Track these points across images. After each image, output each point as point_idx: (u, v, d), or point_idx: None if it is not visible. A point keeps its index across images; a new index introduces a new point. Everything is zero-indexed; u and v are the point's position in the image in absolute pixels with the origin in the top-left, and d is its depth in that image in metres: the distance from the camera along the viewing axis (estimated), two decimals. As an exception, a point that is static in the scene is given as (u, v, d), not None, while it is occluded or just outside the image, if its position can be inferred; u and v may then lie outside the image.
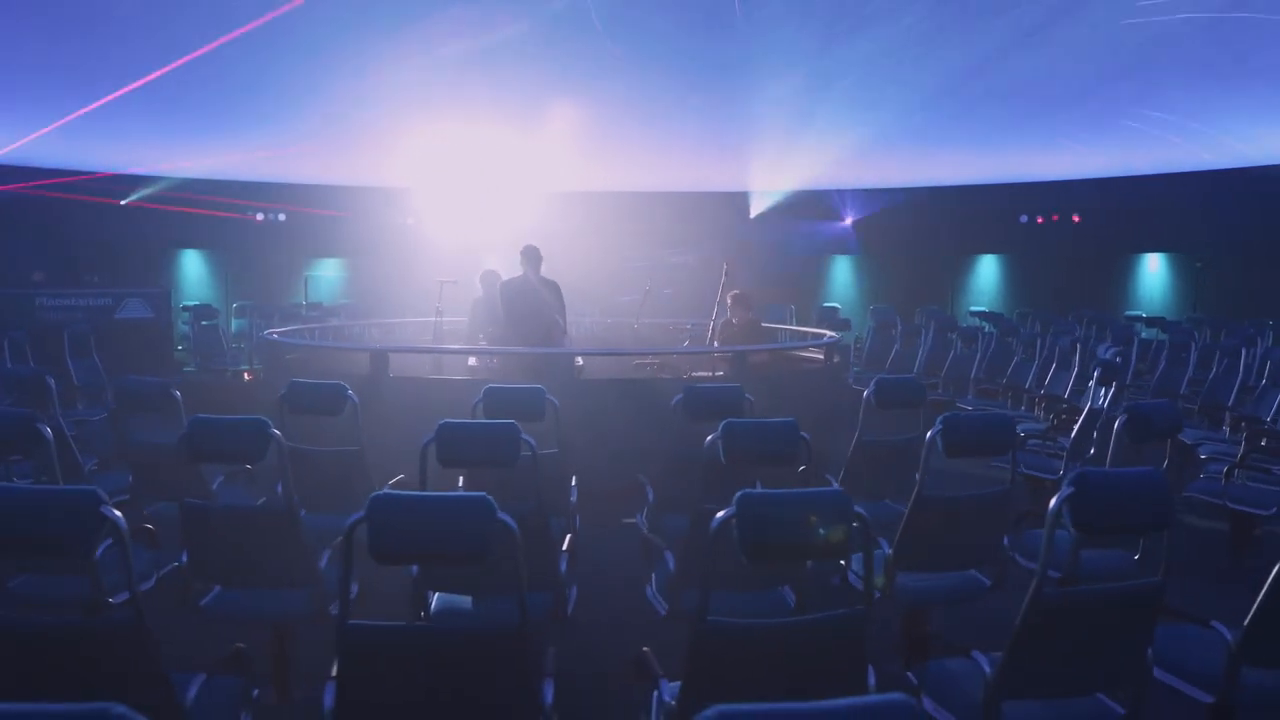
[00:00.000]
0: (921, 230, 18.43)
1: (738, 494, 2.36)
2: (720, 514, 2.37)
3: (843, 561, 4.00)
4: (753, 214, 19.49)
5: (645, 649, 2.82)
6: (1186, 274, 16.72)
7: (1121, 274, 17.50)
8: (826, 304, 18.60)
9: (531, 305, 7.82)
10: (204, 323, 13.74)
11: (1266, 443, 6.65)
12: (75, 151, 16.87)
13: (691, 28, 17.56)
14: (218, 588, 3.54)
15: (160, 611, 3.63)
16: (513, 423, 3.37)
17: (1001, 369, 11.01)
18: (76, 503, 2.16)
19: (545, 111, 17.48)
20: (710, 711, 1.30)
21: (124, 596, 3.47)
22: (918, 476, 3.70)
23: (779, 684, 2.50)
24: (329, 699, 2.39)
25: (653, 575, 3.62)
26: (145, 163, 17.69)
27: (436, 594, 3.49)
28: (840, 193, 19.48)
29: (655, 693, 2.71)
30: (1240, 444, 6.43)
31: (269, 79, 17.14)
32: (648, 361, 8.27)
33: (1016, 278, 18.68)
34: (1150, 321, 15.47)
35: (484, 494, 2.23)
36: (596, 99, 17.36)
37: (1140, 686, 2.75)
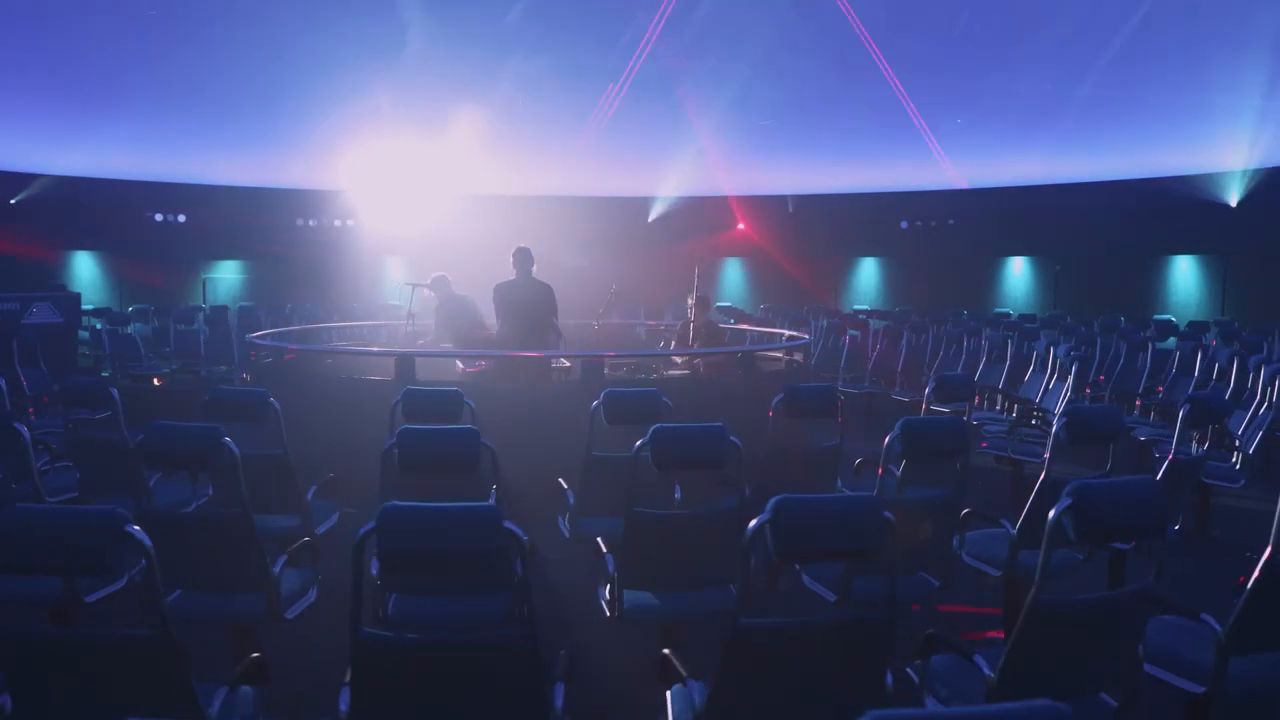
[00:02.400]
0: (809, 234, 19.08)
1: (774, 500, 2.36)
2: (755, 521, 2.37)
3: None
4: (651, 218, 19.83)
5: (666, 650, 2.83)
6: (1047, 276, 17.73)
7: (990, 275, 18.45)
8: (720, 304, 19.05)
9: (525, 307, 7.72)
10: (120, 328, 13.23)
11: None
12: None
13: (588, 42, 17.84)
14: (178, 590, 3.57)
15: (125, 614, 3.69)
16: (473, 428, 3.52)
17: (895, 360, 11.70)
18: (103, 523, 2.21)
19: (450, 117, 17.47)
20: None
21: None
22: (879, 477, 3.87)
23: (807, 684, 2.54)
24: (344, 704, 2.41)
25: (608, 579, 3.63)
26: (33, 160, 16.95)
27: (394, 595, 3.50)
28: (734, 199, 19.96)
29: (670, 692, 2.74)
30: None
31: (165, 69, 16.65)
32: (625, 362, 8.34)
33: (895, 278, 19.47)
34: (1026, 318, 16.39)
35: (491, 504, 2.35)
36: (499, 106, 17.44)
37: (1133, 683, 2.78)
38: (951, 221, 18.16)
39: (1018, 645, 2.56)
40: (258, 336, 8.80)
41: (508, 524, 2.31)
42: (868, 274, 19.98)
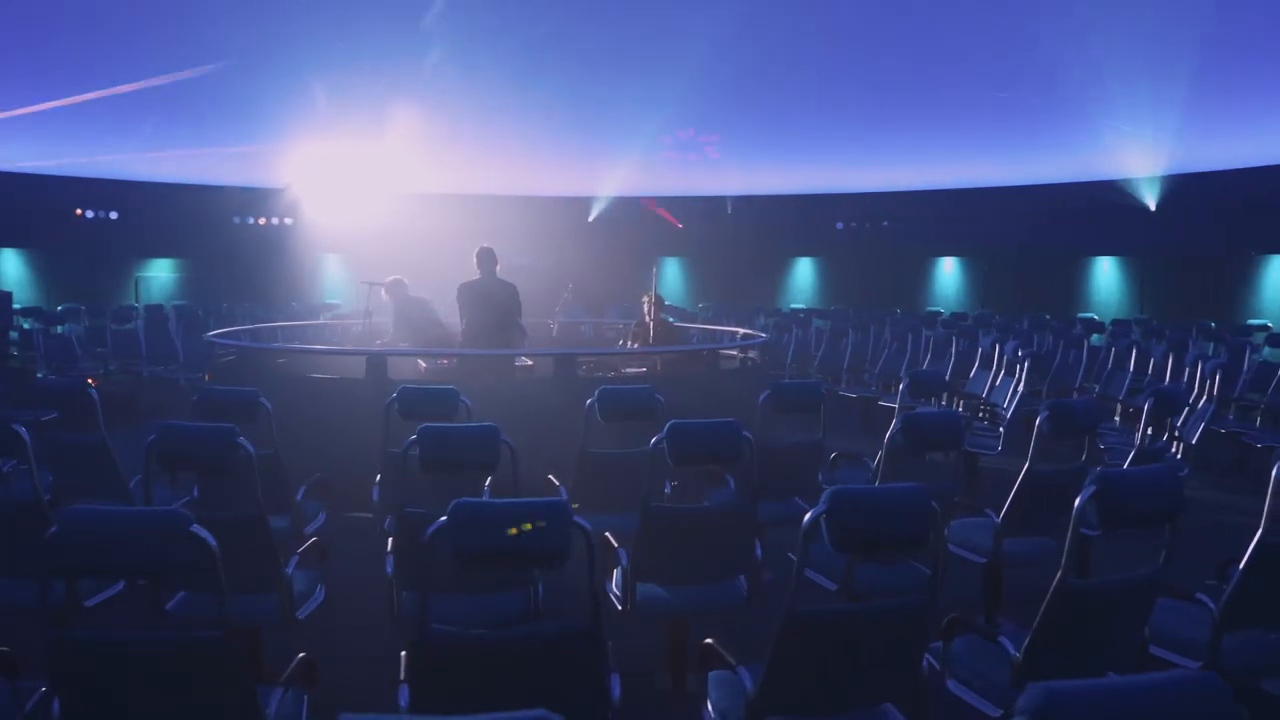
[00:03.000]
0: (746, 234, 19.33)
1: (830, 491, 2.41)
2: (810, 512, 2.41)
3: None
4: (591, 218, 19.86)
5: (708, 640, 2.84)
6: (975, 275, 18.27)
7: (922, 275, 18.92)
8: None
9: (489, 307, 7.67)
10: (56, 328, 12.75)
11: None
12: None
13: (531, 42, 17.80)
14: (181, 593, 3.51)
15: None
16: (493, 425, 3.53)
17: (839, 355, 11.98)
18: (168, 524, 2.17)
19: (390, 116, 17.28)
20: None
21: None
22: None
23: (854, 667, 2.58)
24: (403, 700, 2.41)
25: (614, 572, 3.68)
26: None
27: (402, 592, 3.51)
28: (675, 199, 20.11)
29: (711, 678, 2.78)
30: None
31: (100, 64, 16.12)
32: (584, 360, 8.37)
33: (830, 278, 19.83)
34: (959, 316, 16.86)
35: (563, 499, 2.36)
36: (440, 106, 17.31)
37: (1143, 662, 2.89)
38: (885, 223, 18.58)
39: (1043, 626, 2.62)
40: (218, 335, 8.61)
41: (578, 518, 2.33)
42: (803, 273, 20.32)
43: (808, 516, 2.42)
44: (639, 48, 18.77)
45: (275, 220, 17.92)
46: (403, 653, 2.63)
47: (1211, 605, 2.99)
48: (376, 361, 6.88)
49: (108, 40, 15.65)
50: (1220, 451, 8.04)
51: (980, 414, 9.08)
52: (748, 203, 19.62)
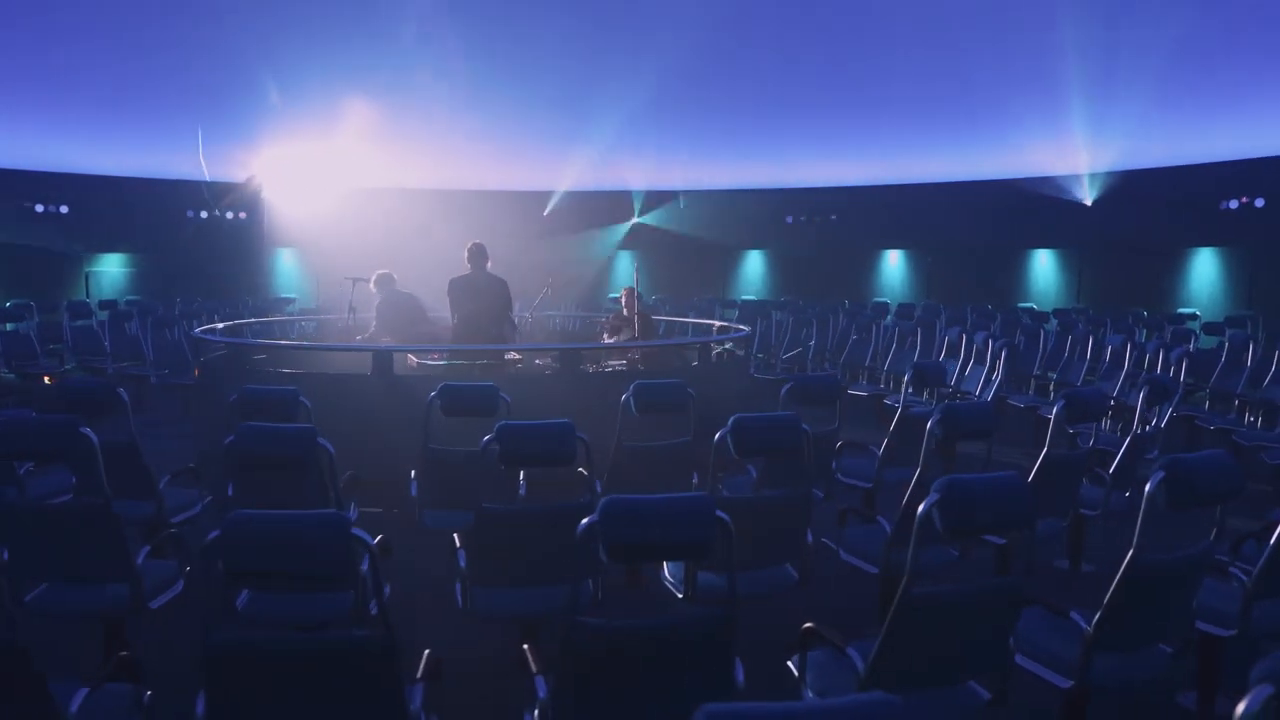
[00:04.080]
0: (699, 227, 19.51)
1: (941, 480, 2.47)
2: (924, 503, 2.48)
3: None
4: (546, 211, 19.83)
5: (525, 645, 2.80)
6: (920, 267, 18.73)
7: (868, 267, 19.32)
8: (612, 295, 19.28)
9: (480, 302, 7.67)
10: (8, 325, 12.30)
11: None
12: None
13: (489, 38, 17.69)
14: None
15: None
16: (568, 422, 3.59)
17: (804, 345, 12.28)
18: (329, 527, 2.18)
19: (346, 110, 17.02)
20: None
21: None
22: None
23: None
24: (542, 691, 2.43)
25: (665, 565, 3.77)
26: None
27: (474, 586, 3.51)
28: (628, 193, 20.18)
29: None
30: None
31: (48, 56, 15.53)
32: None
33: (780, 270, 20.12)
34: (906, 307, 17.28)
35: (704, 493, 2.43)
36: (395, 100, 17.10)
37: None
38: (833, 217, 18.92)
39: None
40: (204, 331, 8.45)
41: (719, 513, 2.40)
42: (753, 266, 20.58)
43: (922, 506, 2.49)
44: (593, 44, 18.80)
45: (230, 215, 17.50)
46: (525, 645, 2.71)
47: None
48: (383, 357, 6.85)
49: (59, 32, 15.09)
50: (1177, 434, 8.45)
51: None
52: (700, 197, 19.81)
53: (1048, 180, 16.27)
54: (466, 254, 7.93)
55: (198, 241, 17.27)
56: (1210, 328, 12.23)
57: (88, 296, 16.39)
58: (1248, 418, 8.38)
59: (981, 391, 8.49)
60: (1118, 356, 9.03)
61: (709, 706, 1.36)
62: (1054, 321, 13.27)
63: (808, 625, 2.93)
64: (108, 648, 3.59)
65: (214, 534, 2.26)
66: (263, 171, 15.33)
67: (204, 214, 17.45)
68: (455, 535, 3.76)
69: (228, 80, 16.30)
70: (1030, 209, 16.52)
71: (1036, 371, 10.45)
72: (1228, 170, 14.33)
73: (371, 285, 9.03)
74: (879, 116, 17.78)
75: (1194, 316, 14.20)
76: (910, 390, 5.94)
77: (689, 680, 2.48)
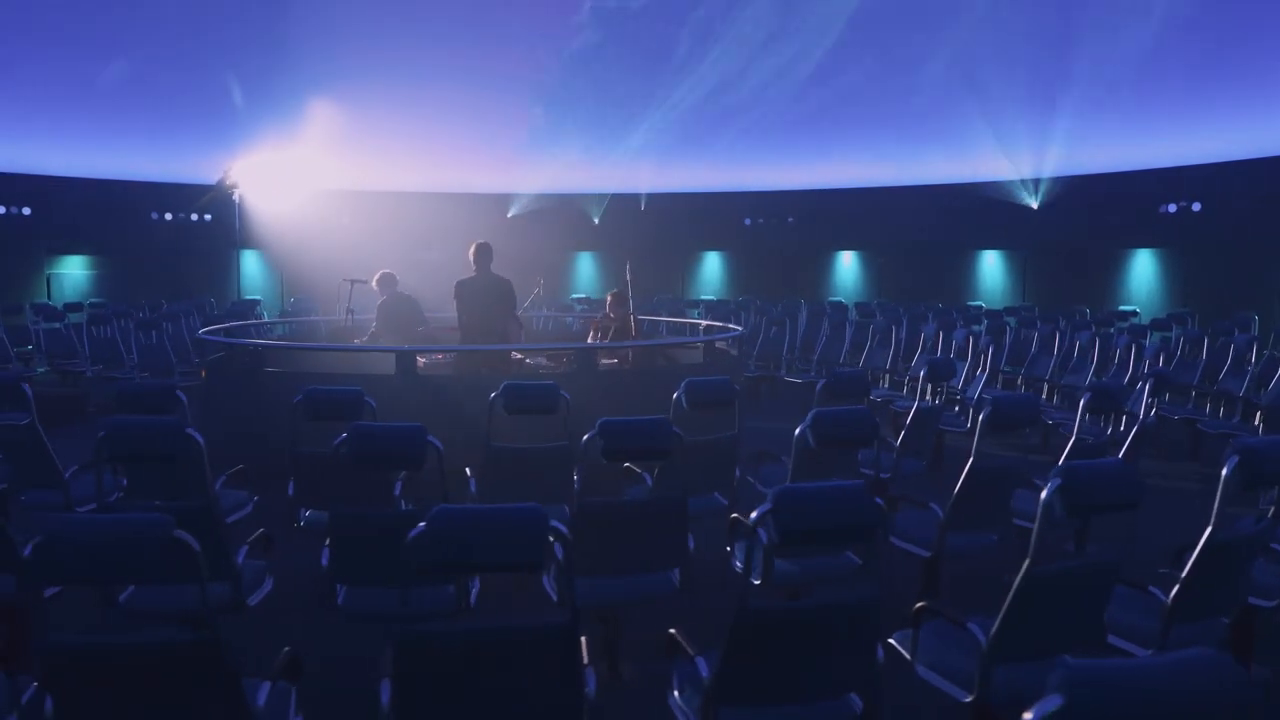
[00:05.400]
0: (660, 229, 19.67)
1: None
2: (1044, 493, 2.57)
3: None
4: (510, 214, 19.80)
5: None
6: (871, 268, 19.18)
7: (823, 267, 19.72)
8: (574, 295, 19.35)
9: (487, 302, 7.71)
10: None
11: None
12: None
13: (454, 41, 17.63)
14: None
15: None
16: (665, 418, 3.69)
17: (776, 343, 12.51)
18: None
19: (310, 113, 16.80)
20: None
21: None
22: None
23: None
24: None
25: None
26: None
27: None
28: (590, 196, 20.25)
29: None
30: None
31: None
32: (566, 354, 8.47)
33: (738, 271, 20.41)
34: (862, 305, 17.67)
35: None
36: (359, 102, 16.94)
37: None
38: (790, 219, 19.27)
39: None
40: (209, 333, 8.35)
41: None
42: (712, 267, 20.84)
43: (754, 513, 2.45)
44: (556, 44, 18.87)
45: (195, 217, 17.13)
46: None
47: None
48: (406, 358, 6.88)
49: (19, 32, 14.62)
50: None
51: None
52: (660, 199, 19.98)
53: (996, 184, 16.80)
54: (471, 255, 7.93)
55: (162, 243, 16.86)
56: (1159, 324, 12.79)
57: (49, 299, 15.90)
58: (1209, 409, 8.83)
59: (971, 387, 8.80)
60: (1085, 352, 9.43)
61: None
62: (1012, 319, 13.71)
63: (921, 604, 3.04)
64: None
65: (418, 530, 2.31)
66: (237, 172, 15.01)
67: (168, 215, 17.03)
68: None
69: (194, 82, 15.97)
70: (979, 212, 17.04)
71: (1006, 367, 10.83)
72: (1166, 176, 15.01)
73: (374, 284, 9.00)
74: (836, 123, 18.19)
75: (1134, 314, 14.85)
76: (922, 388, 6.12)
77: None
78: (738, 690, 2.54)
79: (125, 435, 3.63)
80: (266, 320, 12.14)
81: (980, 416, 4.28)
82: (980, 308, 16.18)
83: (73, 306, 14.57)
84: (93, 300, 15.95)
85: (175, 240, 17.09)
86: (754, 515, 2.44)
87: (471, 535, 2.28)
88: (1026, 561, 2.66)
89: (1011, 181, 16.74)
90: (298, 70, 16.91)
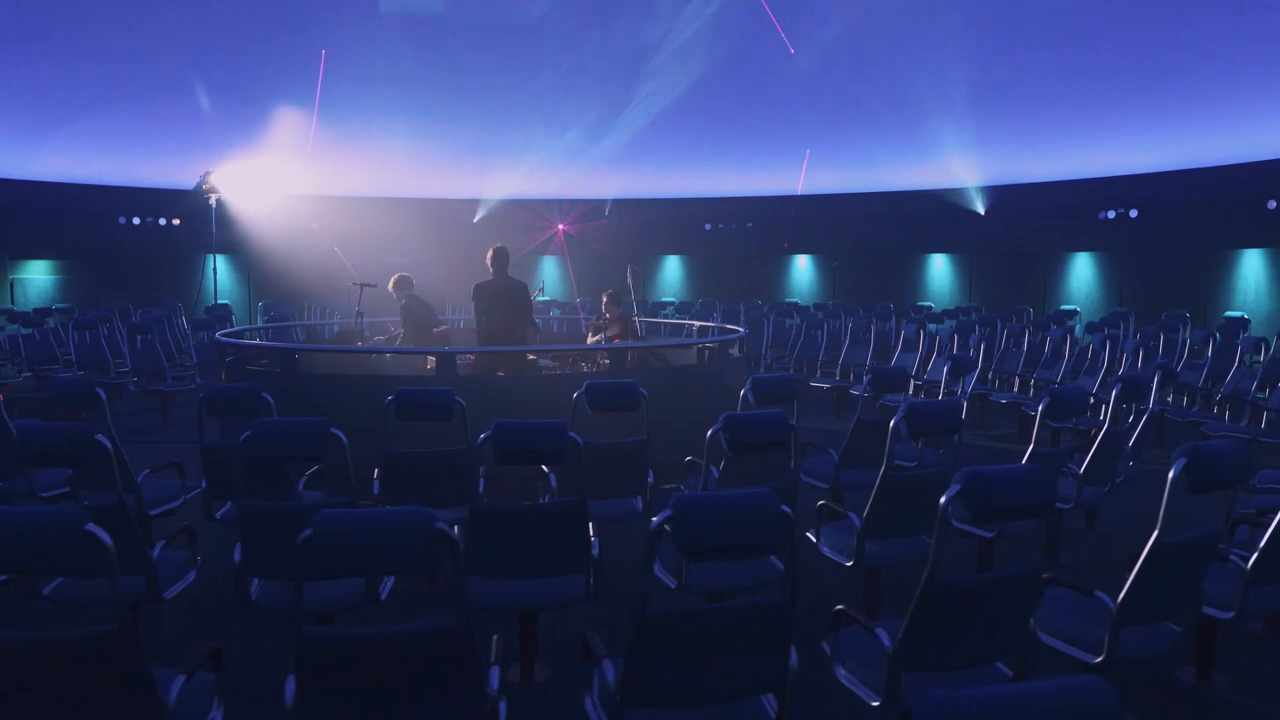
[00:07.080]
0: (623, 234, 19.85)
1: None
2: (656, 518, 2.42)
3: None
4: (476, 219, 19.77)
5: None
6: (827, 271, 19.67)
7: (779, 270, 20.16)
8: (541, 298, 19.40)
9: (504, 305, 7.82)
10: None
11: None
12: None
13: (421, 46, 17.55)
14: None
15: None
16: (781, 411, 3.88)
17: (758, 345, 12.77)
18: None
19: (278, 119, 16.58)
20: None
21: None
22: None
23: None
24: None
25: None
26: None
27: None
28: (555, 202, 20.32)
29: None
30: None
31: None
32: (572, 355, 8.59)
33: (697, 274, 20.72)
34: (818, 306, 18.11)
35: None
36: (328, 109, 16.78)
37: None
38: (749, 224, 19.65)
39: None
40: (226, 334, 8.29)
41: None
42: (672, 270, 21.11)
43: (654, 520, 2.41)
44: (523, 56, 18.90)
45: (163, 221, 16.72)
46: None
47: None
48: (446, 360, 6.97)
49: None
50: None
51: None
52: (624, 205, 20.17)
53: (946, 191, 17.42)
54: (489, 259, 8.01)
55: (129, 248, 16.43)
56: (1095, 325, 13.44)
57: (12, 304, 15.37)
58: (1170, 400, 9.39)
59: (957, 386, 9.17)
60: (1057, 348, 9.92)
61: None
62: (965, 318, 14.25)
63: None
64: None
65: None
66: (217, 177, 14.74)
67: (136, 220, 16.60)
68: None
69: (162, 87, 15.60)
70: (928, 216, 17.65)
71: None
72: (1106, 184, 15.79)
73: (390, 288, 9.02)
74: (792, 132, 18.64)
75: (1075, 313, 15.57)
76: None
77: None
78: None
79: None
80: (280, 324, 12.02)
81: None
82: (929, 308, 16.77)
83: (42, 312, 14.13)
84: (59, 305, 15.48)
85: (143, 245, 16.66)
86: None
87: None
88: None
89: (960, 189, 17.38)
90: (268, 74, 16.65)
